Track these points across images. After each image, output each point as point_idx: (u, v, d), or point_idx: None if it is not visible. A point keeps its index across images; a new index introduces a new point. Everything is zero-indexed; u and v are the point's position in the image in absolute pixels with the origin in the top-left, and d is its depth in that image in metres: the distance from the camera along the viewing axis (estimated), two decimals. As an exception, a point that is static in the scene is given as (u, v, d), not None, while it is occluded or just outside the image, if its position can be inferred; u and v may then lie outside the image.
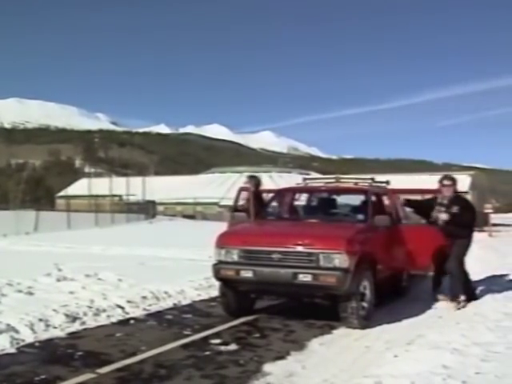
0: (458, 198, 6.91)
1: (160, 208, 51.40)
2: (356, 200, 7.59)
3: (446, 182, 6.88)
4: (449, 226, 6.75)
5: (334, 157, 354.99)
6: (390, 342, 5.03)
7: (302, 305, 6.88)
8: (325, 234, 6.10)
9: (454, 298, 6.79)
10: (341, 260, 5.63)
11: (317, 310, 6.55)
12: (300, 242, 5.82)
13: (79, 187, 68.00)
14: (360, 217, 6.83)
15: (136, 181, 55.59)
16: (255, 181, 8.21)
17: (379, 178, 8.59)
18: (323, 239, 5.88)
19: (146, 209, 39.97)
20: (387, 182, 8.32)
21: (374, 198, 7.35)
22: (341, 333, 5.71)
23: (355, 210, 7.23)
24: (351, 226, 6.49)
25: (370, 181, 8.05)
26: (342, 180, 8.31)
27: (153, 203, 44.50)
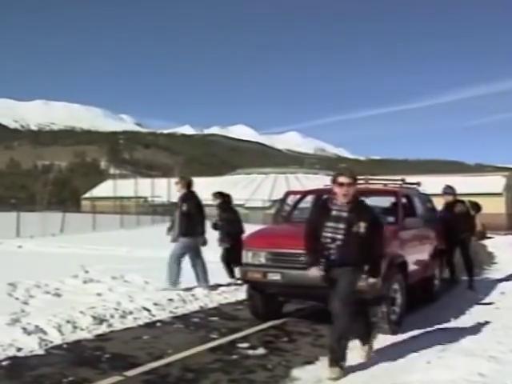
0: (365, 209, 4.52)
1: (185, 210, 51.73)
2: (386, 202, 7.50)
3: (343, 180, 4.42)
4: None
5: (362, 158, 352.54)
6: (421, 348, 4.95)
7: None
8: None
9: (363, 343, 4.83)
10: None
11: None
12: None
13: (104, 189, 68.92)
14: (390, 219, 6.76)
15: (161, 182, 56.13)
16: (185, 181, 8.27)
17: (409, 179, 8.49)
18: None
19: (172, 210, 40.31)
20: (418, 184, 8.22)
21: (404, 200, 7.26)
22: (371, 338, 5.63)
23: (385, 211, 7.15)
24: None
25: (400, 182, 7.95)
26: (371, 181, 8.22)
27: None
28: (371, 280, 4.63)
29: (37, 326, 5.38)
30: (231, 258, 8.79)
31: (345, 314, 4.27)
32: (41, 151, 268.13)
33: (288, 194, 8.26)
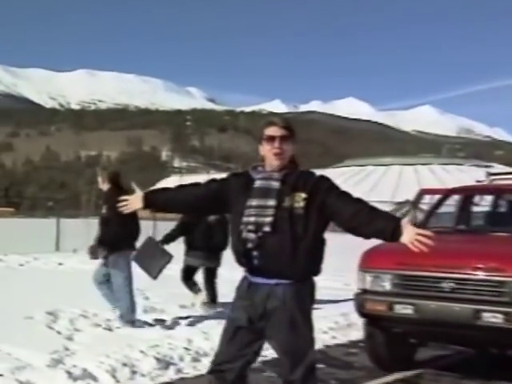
0: (306, 175, 3.86)
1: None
2: None
3: (273, 132, 3.79)
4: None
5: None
6: None
7: (486, 358, 6.65)
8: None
9: None
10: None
11: (509, 366, 6.28)
12: (483, 265, 5.63)
13: (167, 185, 71.03)
14: None
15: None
16: (109, 174, 8.10)
17: None
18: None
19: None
20: None
21: None
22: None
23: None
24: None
25: None
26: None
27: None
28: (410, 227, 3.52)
29: (84, 370, 5.62)
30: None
31: None
32: (84, 138, 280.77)
33: (423, 192, 8.12)
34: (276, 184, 3.69)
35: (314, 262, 3.67)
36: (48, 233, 21.13)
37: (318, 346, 7.33)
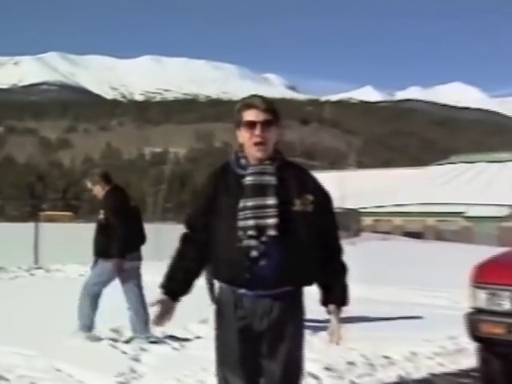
0: (301, 169, 3.88)
1: (366, 220, 51.85)
2: None
3: (254, 116, 3.65)
4: None
5: None
6: None
7: None
8: None
9: None
10: None
11: None
12: None
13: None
14: None
15: (327, 177, 56.82)
16: (99, 176, 8.33)
17: None
18: None
19: (345, 222, 40.62)
20: None
21: None
22: None
23: None
24: None
25: None
26: None
27: (355, 213, 45.16)
28: (332, 311, 3.78)
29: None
30: None
31: None
32: (149, 133, 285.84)
33: None
34: (271, 179, 3.60)
35: (316, 269, 3.67)
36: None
37: (422, 373, 7.27)
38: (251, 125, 3.61)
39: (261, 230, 3.50)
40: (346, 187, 50.26)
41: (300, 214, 3.55)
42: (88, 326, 8.02)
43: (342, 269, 3.77)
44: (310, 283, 3.68)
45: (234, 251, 3.52)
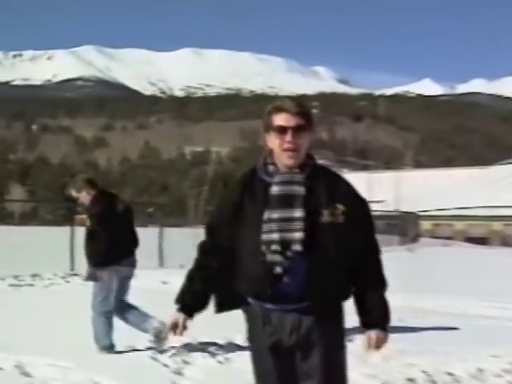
0: (334, 177, 3.76)
1: (425, 225, 51.39)
2: None
3: (284, 121, 3.58)
4: None
5: None
6: None
7: None
8: None
9: None
10: None
11: None
12: None
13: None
14: None
15: (382, 178, 56.35)
16: (88, 181, 8.45)
17: None
18: None
19: (402, 226, 40.39)
20: None
21: None
22: None
23: None
24: None
25: None
26: None
27: (412, 217, 44.79)
28: (373, 338, 3.70)
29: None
30: None
31: None
32: (190, 130, 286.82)
33: None
34: (300, 189, 3.55)
35: (347, 285, 3.62)
36: (149, 245, 21.63)
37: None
38: (282, 130, 3.55)
39: (286, 244, 3.46)
40: (403, 188, 49.90)
41: (329, 226, 3.49)
42: (108, 347, 8.07)
43: (378, 285, 3.69)
44: (338, 300, 3.64)
45: (257, 266, 3.49)
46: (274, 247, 3.45)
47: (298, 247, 3.44)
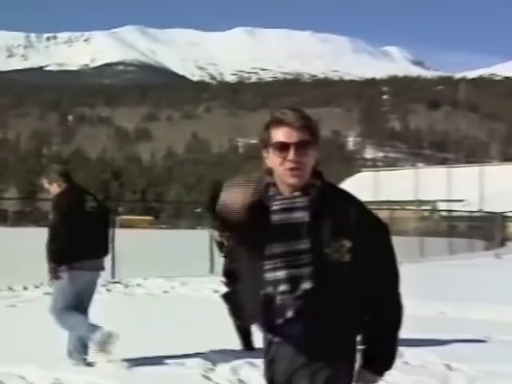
0: (345, 201, 3.59)
1: (513, 227, 50.59)
2: None
3: (285, 136, 3.38)
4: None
5: None
6: None
7: None
8: None
9: None
10: None
11: None
12: None
13: (357, 185, 71.23)
14: None
15: (463, 173, 55.75)
16: (63, 173, 8.53)
17: None
18: None
19: (488, 229, 39.83)
20: None
21: None
22: None
23: None
24: None
25: None
26: None
27: (499, 218, 44.10)
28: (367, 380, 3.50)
29: None
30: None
31: None
32: (243, 120, 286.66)
33: None
34: (303, 215, 3.34)
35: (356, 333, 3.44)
36: (198, 249, 21.65)
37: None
38: (283, 147, 3.33)
39: (294, 282, 3.29)
40: (488, 185, 49.16)
41: (335, 264, 3.30)
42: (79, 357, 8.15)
43: (389, 338, 3.49)
44: (345, 355, 3.41)
45: (264, 309, 3.36)
46: (282, 288, 3.30)
47: (307, 284, 3.28)
